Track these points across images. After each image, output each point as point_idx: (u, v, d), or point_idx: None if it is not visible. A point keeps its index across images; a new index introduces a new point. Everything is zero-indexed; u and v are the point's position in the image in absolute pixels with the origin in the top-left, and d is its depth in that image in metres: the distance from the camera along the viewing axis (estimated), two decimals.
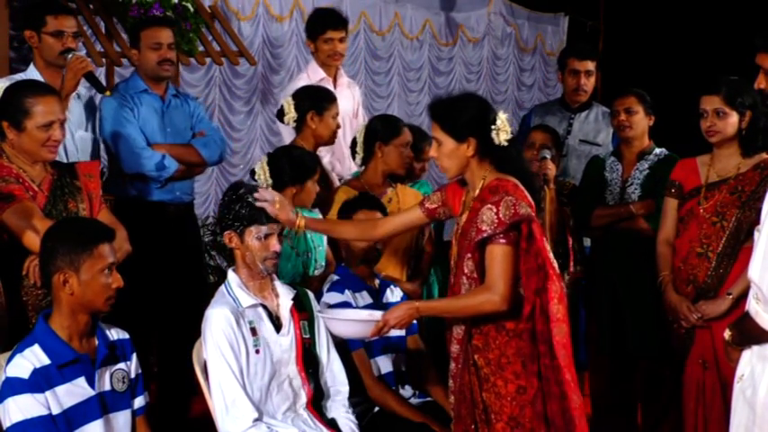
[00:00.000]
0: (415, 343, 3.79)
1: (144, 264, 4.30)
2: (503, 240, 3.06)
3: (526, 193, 3.15)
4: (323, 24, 4.95)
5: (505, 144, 3.14)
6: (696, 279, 3.82)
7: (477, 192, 3.17)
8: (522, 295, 3.09)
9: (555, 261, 3.17)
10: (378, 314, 3.33)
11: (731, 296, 3.70)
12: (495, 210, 3.05)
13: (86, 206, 3.53)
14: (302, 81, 4.93)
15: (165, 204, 4.42)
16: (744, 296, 3.57)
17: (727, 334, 2.75)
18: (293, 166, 3.88)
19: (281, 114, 4.45)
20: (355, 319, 3.33)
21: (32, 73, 4.10)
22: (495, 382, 3.12)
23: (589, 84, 5.01)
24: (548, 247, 3.16)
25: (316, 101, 4.37)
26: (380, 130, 4.32)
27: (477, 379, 3.15)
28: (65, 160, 3.93)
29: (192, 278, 4.53)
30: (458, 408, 3.23)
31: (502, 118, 3.14)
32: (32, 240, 3.22)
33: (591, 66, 5.00)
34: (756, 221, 3.66)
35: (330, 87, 4.86)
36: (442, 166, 3.22)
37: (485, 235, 3.06)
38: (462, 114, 3.15)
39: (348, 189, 4.26)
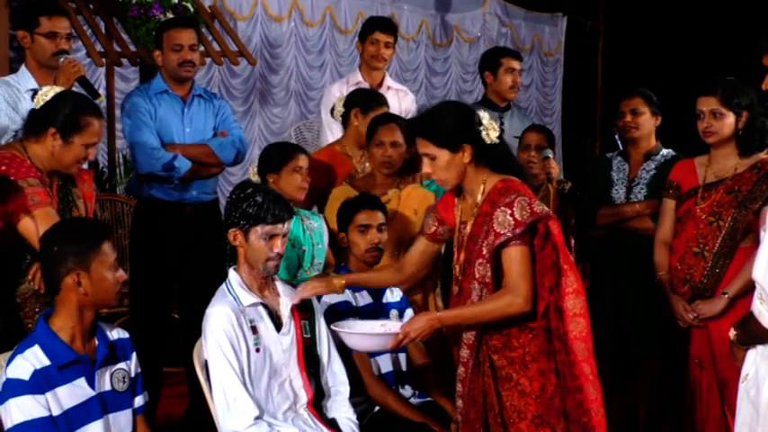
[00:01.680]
0: (415, 343, 3.79)
1: (162, 264, 4.38)
2: (518, 241, 3.03)
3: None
4: (372, 26, 5.18)
5: (497, 141, 3.12)
6: (692, 279, 3.83)
7: (481, 196, 3.13)
8: (537, 293, 3.08)
9: (571, 255, 3.15)
10: (390, 324, 3.37)
11: (727, 296, 3.71)
12: (509, 211, 3.02)
13: (83, 214, 3.57)
14: (338, 84, 5.25)
15: (182, 204, 4.44)
16: (740, 296, 3.60)
17: (732, 333, 2.76)
18: (271, 155, 4.08)
19: (332, 109, 4.63)
20: (373, 333, 3.33)
21: (24, 74, 4.07)
22: (519, 380, 3.11)
23: (519, 81, 5.31)
24: (563, 243, 3.13)
25: (364, 100, 4.54)
26: (366, 132, 4.40)
27: (494, 381, 3.14)
28: None
29: (212, 277, 4.53)
30: (466, 411, 3.22)
31: (486, 117, 3.12)
32: None
33: (520, 65, 5.30)
34: (754, 221, 3.69)
35: None
36: (440, 179, 3.16)
37: (504, 238, 3.02)
38: (448, 123, 3.10)
39: (347, 188, 4.28)
